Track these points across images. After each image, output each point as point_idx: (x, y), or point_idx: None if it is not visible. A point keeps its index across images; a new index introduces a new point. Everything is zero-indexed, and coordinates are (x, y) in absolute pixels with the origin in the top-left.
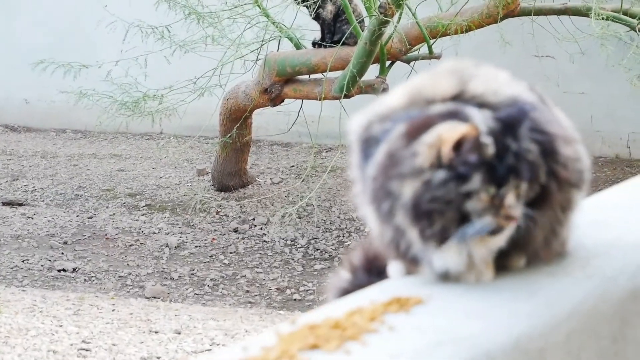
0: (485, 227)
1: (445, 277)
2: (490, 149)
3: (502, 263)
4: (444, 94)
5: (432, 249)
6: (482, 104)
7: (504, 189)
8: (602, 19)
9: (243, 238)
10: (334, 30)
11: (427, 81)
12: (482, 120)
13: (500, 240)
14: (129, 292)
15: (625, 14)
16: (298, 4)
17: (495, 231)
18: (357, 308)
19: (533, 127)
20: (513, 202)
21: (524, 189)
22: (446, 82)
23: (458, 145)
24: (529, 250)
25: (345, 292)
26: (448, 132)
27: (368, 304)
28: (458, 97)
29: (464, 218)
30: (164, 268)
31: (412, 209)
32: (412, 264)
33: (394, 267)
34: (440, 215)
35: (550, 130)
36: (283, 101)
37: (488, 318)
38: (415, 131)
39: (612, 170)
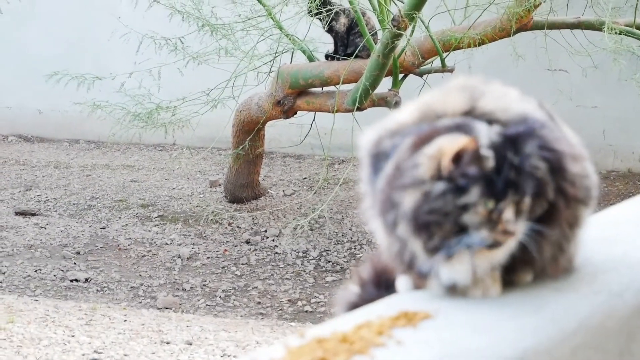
0: (482, 240)
1: (453, 291)
2: (490, 162)
3: (509, 278)
4: (454, 110)
5: (436, 262)
6: (491, 121)
7: (502, 203)
8: (615, 33)
9: (255, 250)
10: (347, 43)
11: (438, 97)
12: (486, 133)
13: (500, 255)
14: (140, 302)
15: (638, 28)
16: (312, 16)
17: (493, 245)
18: (365, 322)
19: (541, 144)
20: (511, 217)
21: (526, 204)
22: (457, 98)
23: (458, 158)
24: (536, 265)
25: (354, 306)
26: (448, 144)
27: (376, 318)
28: (468, 114)
29: (462, 231)
30: (176, 279)
31: (412, 219)
32: (419, 277)
33: (402, 281)
34: (438, 228)
35: (558, 148)
36: (296, 113)
37: (494, 333)
38: (420, 143)
39: (624, 184)
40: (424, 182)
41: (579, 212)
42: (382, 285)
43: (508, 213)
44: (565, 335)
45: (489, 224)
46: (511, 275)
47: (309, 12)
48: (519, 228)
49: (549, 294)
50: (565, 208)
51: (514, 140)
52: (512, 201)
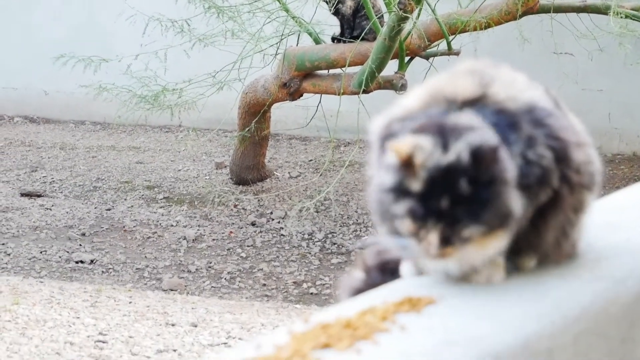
0: (413, 251)
1: (457, 278)
2: (416, 185)
3: (513, 263)
4: (465, 95)
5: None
6: (501, 111)
7: (424, 229)
8: (621, 17)
9: (260, 232)
10: (353, 25)
11: (447, 81)
12: (456, 150)
13: (495, 247)
14: (146, 284)
15: None
16: None
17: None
18: (369, 307)
19: (548, 133)
20: (435, 242)
21: (467, 232)
22: (467, 82)
23: (404, 163)
24: (539, 251)
25: (359, 291)
26: (399, 146)
27: (380, 303)
28: (480, 100)
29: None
30: (181, 261)
31: (370, 201)
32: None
33: (407, 267)
34: (384, 219)
35: (564, 137)
36: (302, 95)
37: (497, 319)
38: (419, 128)
39: (629, 167)
40: (386, 169)
41: (583, 197)
42: (386, 270)
43: (432, 237)
44: (568, 321)
45: (417, 239)
46: (515, 260)
47: None
48: (450, 252)
49: (552, 280)
50: (569, 195)
51: (478, 161)
52: (438, 228)
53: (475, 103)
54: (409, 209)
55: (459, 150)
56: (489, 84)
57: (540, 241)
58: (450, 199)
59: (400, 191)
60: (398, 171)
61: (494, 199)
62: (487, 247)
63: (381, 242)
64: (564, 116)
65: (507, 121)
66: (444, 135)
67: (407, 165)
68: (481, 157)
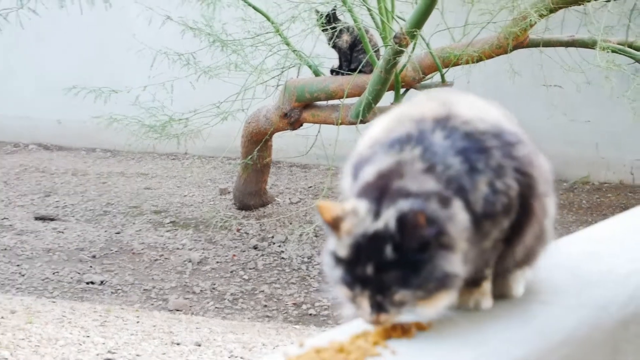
0: (354, 314)
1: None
2: (343, 252)
3: (499, 290)
4: (433, 114)
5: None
6: (470, 134)
7: (353, 295)
8: (607, 51)
9: (262, 255)
10: (350, 58)
11: (411, 107)
12: (385, 217)
13: (442, 305)
14: (153, 304)
15: (629, 46)
16: (318, 27)
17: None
18: (362, 332)
19: (517, 167)
20: (366, 308)
21: (400, 296)
22: (430, 105)
23: (332, 225)
24: (515, 266)
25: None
26: (326, 207)
27: (373, 328)
28: (448, 119)
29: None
30: (186, 282)
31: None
32: None
33: None
34: (330, 281)
35: (531, 172)
36: (302, 125)
37: (485, 345)
38: (363, 190)
39: (616, 195)
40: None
41: (545, 204)
42: None
43: (364, 304)
44: (553, 346)
45: (353, 303)
46: (501, 285)
47: (317, 23)
48: (384, 318)
49: (537, 306)
50: (533, 216)
51: (403, 227)
52: (366, 295)
53: (445, 122)
54: (340, 275)
55: (388, 217)
56: (451, 105)
57: (514, 259)
58: (375, 265)
59: (335, 256)
60: (328, 232)
61: (425, 264)
62: (433, 306)
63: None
64: (521, 132)
65: (476, 146)
66: (380, 201)
67: (333, 226)
68: (405, 224)
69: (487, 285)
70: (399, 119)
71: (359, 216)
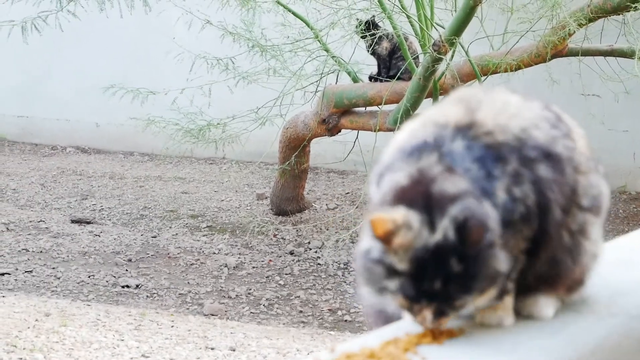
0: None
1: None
2: (402, 266)
3: (526, 310)
4: (456, 120)
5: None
6: (489, 146)
7: (417, 305)
8: None
9: (298, 260)
10: (389, 65)
11: (436, 110)
12: (442, 228)
13: (486, 300)
14: (188, 309)
15: None
16: (357, 34)
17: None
18: (392, 339)
19: (535, 187)
20: (429, 317)
21: (461, 304)
22: (454, 109)
23: (386, 237)
24: (541, 287)
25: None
26: (380, 221)
27: (403, 334)
28: (469, 128)
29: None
30: (222, 287)
31: (356, 265)
32: None
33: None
34: (372, 284)
35: (548, 195)
36: (340, 131)
37: (515, 353)
38: (395, 197)
39: None
40: (372, 238)
41: (585, 221)
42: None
43: (427, 314)
44: (584, 355)
45: (410, 312)
46: (526, 304)
47: (355, 32)
48: (445, 321)
49: (568, 315)
50: (557, 230)
51: (465, 238)
52: (432, 306)
53: (466, 131)
54: (400, 287)
55: (445, 228)
56: (476, 109)
57: (535, 274)
58: (442, 279)
59: (389, 268)
60: (378, 244)
61: (482, 266)
62: (479, 302)
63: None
64: (563, 137)
65: (494, 155)
66: (430, 209)
67: (387, 241)
68: (468, 234)
69: (509, 301)
70: (424, 123)
71: (413, 229)
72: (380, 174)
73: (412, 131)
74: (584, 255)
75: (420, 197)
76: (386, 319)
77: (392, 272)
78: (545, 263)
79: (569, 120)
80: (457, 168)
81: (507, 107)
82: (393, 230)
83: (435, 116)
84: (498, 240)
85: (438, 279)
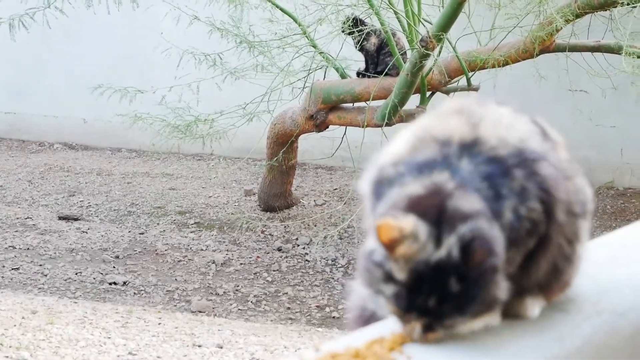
0: (397, 325)
1: None
2: (401, 275)
3: (513, 310)
4: (461, 136)
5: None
6: (494, 159)
7: (407, 316)
8: (634, 57)
9: (286, 257)
10: (377, 61)
11: (435, 122)
12: (448, 245)
13: (481, 325)
14: (175, 306)
15: None
16: (345, 33)
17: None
18: (377, 338)
19: (539, 184)
20: (418, 330)
21: (457, 322)
22: (456, 122)
23: (390, 244)
24: (532, 291)
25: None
26: (386, 227)
27: (388, 334)
28: (474, 145)
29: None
30: (209, 284)
31: (359, 265)
32: None
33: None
34: (370, 286)
35: (553, 190)
36: (328, 127)
37: (500, 352)
38: (408, 205)
39: None
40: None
41: (576, 227)
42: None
43: (416, 326)
44: (570, 353)
45: (400, 320)
46: (514, 305)
47: (342, 32)
48: (432, 337)
49: (554, 313)
50: (558, 234)
51: (469, 257)
52: (422, 321)
53: (471, 148)
54: (394, 295)
55: (451, 245)
56: (478, 124)
57: (532, 281)
58: (438, 297)
59: (387, 273)
60: (381, 250)
61: (482, 291)
62: (472, 326)
63: (360, 296)
64: (552, 149)
65: (500, 170)
66: (440, 224)
67: (390, 248)
68: (472, 254)
69: (502, 281)
70: (424, 137)
71: (419, 241)
72: (379, 183)
73: (412, 143)
74: (578, 261)
75: (434, 209)
76: (369, 319)
77: (389, 278)
78: (545, 270)
79: (552, 132)
80: (468, 187)
81: (502, 119)
82: (398, 239)
83: (435, 130)
84: (502, 266)
85: (433, 296)
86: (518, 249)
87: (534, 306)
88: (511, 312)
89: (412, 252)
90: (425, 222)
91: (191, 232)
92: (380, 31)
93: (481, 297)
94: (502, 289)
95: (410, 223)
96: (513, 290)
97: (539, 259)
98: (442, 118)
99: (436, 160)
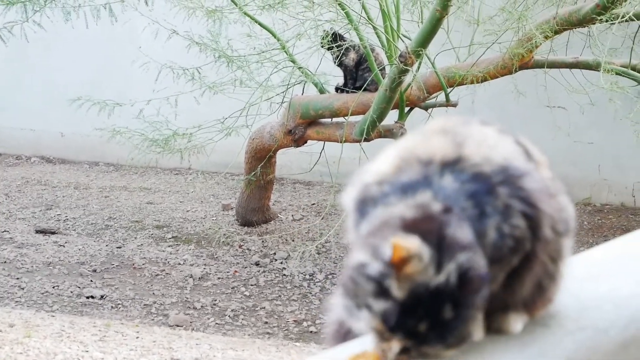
0: (371, 340)
1: None
2: (398, 293)
3: (497, 325)
4: (443, 155)
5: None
6: (477, 176)
7: (393, 335)
8: (611, 74)
9: (264, 271)
10: (356, 76)
11: (419, 142)
12: (447, 271)
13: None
14: (153, 320)
15: (633, 69)
16: (324, 48)
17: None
18: (361, 352)
19: (523, 199)
20: (395, 351)
21: (434, 352)
22: (440, 142)
23: (398, 263)
24: (516, 308)
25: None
26: (402, 245)
27: (372, 347)
28: (457, 163)
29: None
30: (187, 298)
31: (344, 277)
32: None
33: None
34: (352, 298)
35: (538, 204)
36: (306, 142)
37: None
38: (405, 227)
39: (617, 217)
40: (373, 255)
41: (559, 245)
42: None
43: (394, 346)
44: None
45: (378, 337)
46: (497, 321)
47: (321, 47)
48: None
49: (536, 329)
50: (542, 252)
51: (465, 286)
52: (403, 342)
53: (454, 165)
54: (384, 312)
55: (450, 272)
56: (462, 143)
57: (516, 299)
58: (429, 322)
59: (382, 288)
60: (386, 266)
61: (464, 323)
62: (441, 357)
63: (338, 311)
64: (535, 168)
65: (484, 188)
66: (441, 250)
67: (397, 267)
68: (469, 283)
69: (478, 317)
70: (407, 158)
71: (422, 262)
72: (363, 202)
73: (396, 165)
74: (560, 278)
75: (434, 235)
76: (347, 334)
77: (383, 294)
78: (530, 288)
79: (536, 151)
80: (454, 207)
81: (487, 139)
82: (406, 259)
83: (418, 150)
84: (481, 305)
85: (426, 320)
86: (501, 267)
87: (517, 322)
88: (494, 327)
89: (417, 272)
90: (427, 245)
91: (169, 246)
92: (359, 46)
93: (461, 330)
94: (477, 327)
95: (415, 243)
96: (497, 306)
97: (524, 276)
98: (426, 138)
99: (418, 180)
